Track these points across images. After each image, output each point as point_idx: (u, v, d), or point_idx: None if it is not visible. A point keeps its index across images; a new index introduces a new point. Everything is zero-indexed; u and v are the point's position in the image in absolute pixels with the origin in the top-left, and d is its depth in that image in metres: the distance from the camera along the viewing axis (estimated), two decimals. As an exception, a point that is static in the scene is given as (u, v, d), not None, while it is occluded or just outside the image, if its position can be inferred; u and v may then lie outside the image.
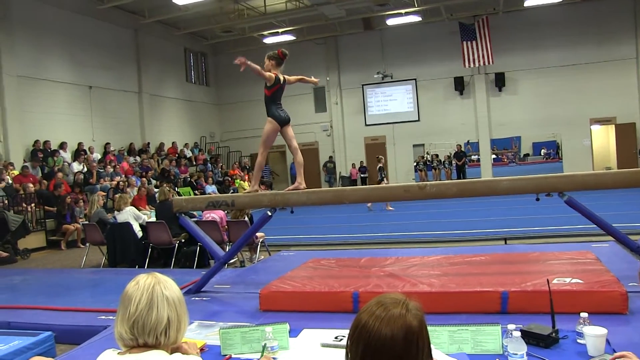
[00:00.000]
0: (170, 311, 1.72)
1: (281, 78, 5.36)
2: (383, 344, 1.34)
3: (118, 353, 1.75)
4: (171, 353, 1.73)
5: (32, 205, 12.21)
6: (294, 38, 21.56)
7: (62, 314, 5.35)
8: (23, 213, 11.59)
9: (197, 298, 5.40)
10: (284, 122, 5.43)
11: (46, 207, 12.40)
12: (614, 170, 15.57)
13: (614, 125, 20.06)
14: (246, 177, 19.74)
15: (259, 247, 8.22)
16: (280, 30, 20.68)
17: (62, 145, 15.24)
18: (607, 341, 2.89)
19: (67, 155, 15.27)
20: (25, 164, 13.55)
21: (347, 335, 1.45)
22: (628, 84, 19.32)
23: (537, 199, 4.87)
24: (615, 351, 2.83)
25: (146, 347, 1.71)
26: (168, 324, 1.71)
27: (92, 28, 16.92)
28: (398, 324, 1.35)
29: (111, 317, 4.87)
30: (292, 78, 5.60)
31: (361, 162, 22.23)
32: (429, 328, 2.72)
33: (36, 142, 14.46)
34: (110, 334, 4.16)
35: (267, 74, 5.31)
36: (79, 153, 15.46)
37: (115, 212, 9.15)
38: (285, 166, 23.68)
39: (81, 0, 16.35)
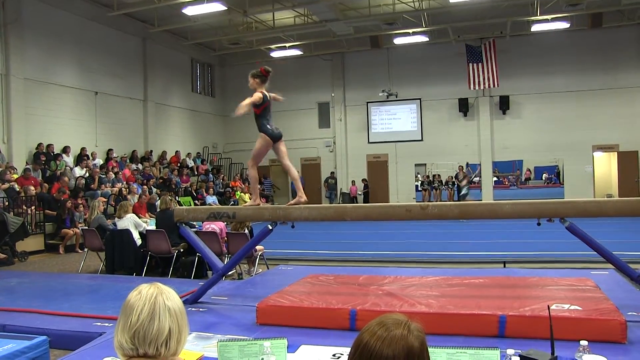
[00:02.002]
0: (172, 322, 1.72)
1: (268, 95, 5.39)
2: None
3: (118, 363, 1.74)
4: (170, 364, 1.73)
5: (32, 208, 12.22)
6: (301, 53, 21.70)
7: (58, 318, 5.34)
8: (23, 215, 11.60)
9: (194, 309, 5.38)
10: (276, 137, 5.48)
11: (46, 211, 12.41)
12: (615, 198, 15.58)
13: (616, 153, 20.08)
14: (246, 189, 19.74)
15: (257, 260, 8.21)
16: (287, 44, 20.81)
17: (65, 149, 15.28)
18: (606, 371, 2.87)
19: (69, 159, 15.30)
20: (28, 166, 13.57)
21: (346, 354, 1.45)
22: (632, 112, 19.38)
23: (539, 224, 4.87)
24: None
25: (146, 357, 1.70)
26: (169, 335, 1.71)
27: (101, 34, 17.05)
28: (400, 345, 1.35)
29: (107, 324, 4.86)
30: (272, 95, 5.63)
31: (363, 179, 22.27)
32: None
33: (39, 145, 14.49)
34: (105, 341, 4.14)
35: (256, 96, 5.32)
36: (82, 158, 15.49)
37: (116, 218, 9.15)
38: (286, 180, 23.65)
39: (92, 7, 16.49)
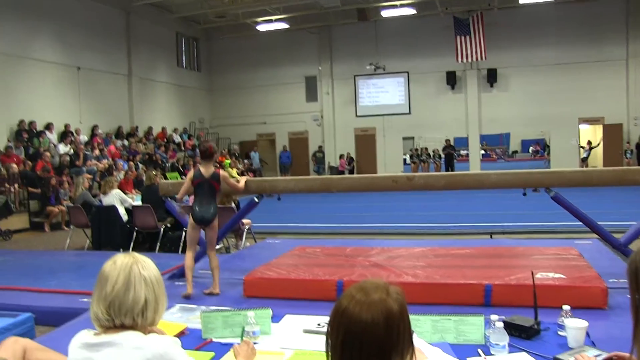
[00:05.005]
0: (148, 291, 1.69)
1: (204, 172, 4.98)
2: (364, 329, 1.31)
3: (94, 334, 1.71)
4: (147, 334, 1.70)
5: (16, 185, 12.08)
6: (288, 26, 21.42)
7: (43, 295, 5.31)
8: (6, 194, 11.47)
9: (181, 283, 5.35)
10: (196, 220, 4.97)
11: (30, 189, 12.27)
12: (600, 167, 15.71)
13: (602, 126, 20.19)
14: (234, 164, 19.66)
15: (245, 234, 8.20)
16: (274, 17, 20.53)
17: (49, 126, 15.06)
18: (587, 334, 2.91)
19: (53, 136, 15.09)
20: (9, 144, 13.37)
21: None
22: (617, 85, 19.46)
23: (524, 194, 4.91)
24: (594, 344, 2.85)
25: (123, 327, 1.67)
26: (145, 305, 1.68)
27: (82, 8, 16.68)
28: (378, 308, 1.33)
29: (93, 300, 4.82)
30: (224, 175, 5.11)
31: (347, 153, 22.26)
32: (412, 317, 2.70)
33: (21, 122, 14.25)
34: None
35: (189, 176, 5.12)
36: (66, 135, 15.29)
37: (101, 195, 9.08)
38: (274, 154, 23.63)
39: (72, -21, 16.13)
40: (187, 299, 4.69)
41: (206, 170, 4.99)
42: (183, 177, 16.59)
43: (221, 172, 5.14)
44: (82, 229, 9.34)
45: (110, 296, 1.66)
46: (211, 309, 3.02)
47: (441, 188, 5.17)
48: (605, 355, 2.43)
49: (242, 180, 5.38)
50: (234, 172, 18.02)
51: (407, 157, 24.08)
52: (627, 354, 2.06)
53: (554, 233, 8.26)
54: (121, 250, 8.30)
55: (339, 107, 22.86)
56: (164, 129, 20.19)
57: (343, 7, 19.93)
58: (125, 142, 17.60)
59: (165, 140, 19.45)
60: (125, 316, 1.66)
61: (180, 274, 5.60)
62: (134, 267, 1.70)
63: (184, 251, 7.81)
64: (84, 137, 15.98)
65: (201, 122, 23.60)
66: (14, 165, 12.28)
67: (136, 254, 1.77)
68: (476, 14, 19.76)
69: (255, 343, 2.63)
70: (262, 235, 8.81)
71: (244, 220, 7.64)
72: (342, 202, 14.40)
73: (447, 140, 21.72)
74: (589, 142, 19.82)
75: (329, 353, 1.38)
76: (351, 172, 21.80)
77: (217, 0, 19.29)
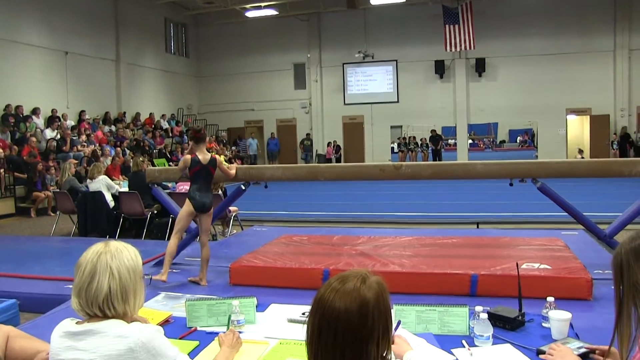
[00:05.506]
0: (113, 282, 1.66)
1: (202, 159, 4.90)
2: (337, 317, 1.32)
3: (76, 322, 1.70)
4: (130, 323, 1.69)
5: (1, 170, 11.95)
6: (277, 13, 21.26)
7: (28, 281, 5.26)
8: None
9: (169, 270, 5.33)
10: (197, 208, 4.89)
11: (16, 174, 12.14)
12: (587, 159, 15.84)
13: (589, 116, 20.33)
14: (222, 151, 19.57)
15: (231, 221, 8.19)
16: (263, 4, 20.36)
17: (35, 111, 14.89)
18: (571, 325, 2.93)
19: (40, 121, 14.93)
20: (-5, 128, 13.23)
21: (309, 310, 1.43)
22: (605, 76, 19.56)
23: (511, 184, 4.92)
24: (578, 335, 2.87)
25: (97, 317, 1.66)
26: (109, 295, 1.65)
27: (69, -8, 16.46)
28: (352, 296, 1.33)
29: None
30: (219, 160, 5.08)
31: (334, 141, 22.25)
32: (397, 307, 2.71)
33: (7, 106, 14.07)
34: (75, 303, 4.09)
35: (182, 161, 5.03)
36: (53, 120, 15.12)
37: (88, 180, 9.01)
38: (262, 141, 23.56)
39: (58, -38, 15.86)
40: (163, 282, 4.65)
41: (203, 157, 4.95)
42: (171, 163, 16.52)
43: (217, 157, 5.13)
44: (68, 215, 9.28)
45: (78, 286, 1.66)
46: (196, 297, 3.01)
47: (428, 177, 5.17)
48: (585, 348, 2.45)
49: (233, 167, 5.37)
50: (222, 158, 17.95)
51: (395, 146, 24.10)
52: (606, 347, 2.08)
53: (540, 224, 8.32)
54: (107, 237, 8.27)
55: (327, 95, 22.80)
56: (151, 115, 20.03)
57: (332, -7, 19.80)
58: (113, 128, 17.45)
59: (153, 126, 19.30)
60: (92, 306, 1.65)
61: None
62: (102, 256, 1.69)
63: (170, 238, 7.83)
64: (70, 123, 15.82)
65: (189, 109, 23.45)
66: (0, 150, 12.14)
67: (112, 243, 1.75)
68: (465, 3, 19.72)
69: (239, 332, 2.63)
70: (249, 223, 8.80)
71: (231, 208, 7.62)
72: (330, 190, 14.39)
73: (433, 131, 21.76)
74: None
75: (308, 341, 1.39)
76: (338, 160, 21.80)
77: (206, -15, 19.09)
